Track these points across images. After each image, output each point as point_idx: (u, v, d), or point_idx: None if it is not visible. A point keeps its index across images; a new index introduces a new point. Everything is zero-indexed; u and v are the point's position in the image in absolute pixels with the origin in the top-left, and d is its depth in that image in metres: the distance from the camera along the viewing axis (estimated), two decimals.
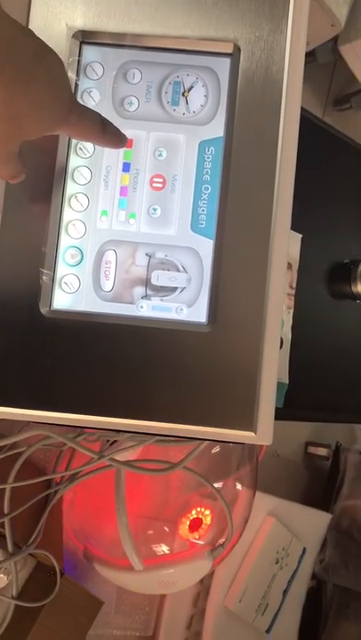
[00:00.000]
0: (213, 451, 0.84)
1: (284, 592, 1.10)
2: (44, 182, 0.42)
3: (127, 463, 0.69)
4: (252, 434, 0.41)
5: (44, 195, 0.42)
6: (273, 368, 0.41)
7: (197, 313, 0.43)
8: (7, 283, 0.42)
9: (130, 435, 0.68)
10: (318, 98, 1.73)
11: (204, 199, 0.43)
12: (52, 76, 0.33)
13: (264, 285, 0.41)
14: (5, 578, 0.72)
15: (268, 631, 1.07)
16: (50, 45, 0.43)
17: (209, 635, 0.99)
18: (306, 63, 0.43)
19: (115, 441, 0.71)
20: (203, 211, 0.43)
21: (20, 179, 0.38)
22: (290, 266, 0.73)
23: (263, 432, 0.41)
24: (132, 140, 0.43)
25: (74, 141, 0.43)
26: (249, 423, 0.41)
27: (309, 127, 0.81)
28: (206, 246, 0.43)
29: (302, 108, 0.45)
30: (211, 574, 1.02)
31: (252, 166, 0.42)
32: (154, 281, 0.43)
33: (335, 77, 1.75)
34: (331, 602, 1.26)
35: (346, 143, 0.86)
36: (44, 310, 0.42)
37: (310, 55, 1.59)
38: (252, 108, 0.43)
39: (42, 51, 0.33)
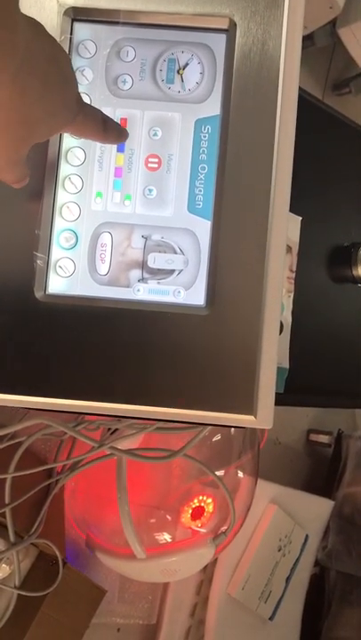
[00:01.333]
0: (214, 439, 0.84)
1: (287, 579, 1.10)
2: (37, 164, 0.41)
3: (128, 451, 0.69)
4: (253, 417, 0.40)
5: (38, 177, 0.41)
6: (273, 350, 0.40)
7: (195, 296, 0.42)
8: (1, 267, 0.41)
9: (130, 423, 0.68)
10: (317, 82, 1.71)
11: (201, 179, 0.42)
12: (64, 79, 0.32)
13: (263, 266, 0.40)
14: (7, 567, 0.72)
15: (271, 618, 1.07)
16: (41, 23, 0.42)
17: (212, 622, 1.00)
18: (304, 47, 0.42)
19: (115, 430, 0.71)
20: (200, 191, 0.42)
21: (24, 182, 0.37)
22: (290, 249, 0.72)
23: (263, 416, 0.40)
24: (126, 120, 0.42)
25: None
26: (249, 407, 0.40)
27: (308, 108, 0.79)
28: (203, 227, 0.42)
29: (301, 89, 0.44)
30: (214, 562, 1.02)
31: (250, 145, 0.41)
32: (150, 263, 0.42)
33: (334, 61, 1.73)
34: (334, 588, 1.26)
35: (346, 124, 0.85)
36: (38, 295, 0.41)
37: (308, 39, 1.57)
38: (249, 84, 0.42)
39: (55, 52, 0.31)
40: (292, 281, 0.73)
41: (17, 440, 0.69)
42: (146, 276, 0.42)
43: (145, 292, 0.42)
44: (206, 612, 1.01)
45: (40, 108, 0.31)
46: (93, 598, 0.82)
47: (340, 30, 1.52)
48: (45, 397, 0.40)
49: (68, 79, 0.33)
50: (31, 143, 0.33)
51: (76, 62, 0.42)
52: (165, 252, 0.42)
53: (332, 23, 1.53)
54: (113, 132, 0.40)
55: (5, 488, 0.67)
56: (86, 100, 0.42)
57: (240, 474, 0.88)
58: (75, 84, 0.34)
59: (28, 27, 0.29)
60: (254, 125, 0.41)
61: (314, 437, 1.40)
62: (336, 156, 0.83)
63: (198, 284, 0.42)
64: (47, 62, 0.30)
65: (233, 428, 0.86)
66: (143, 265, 0.42)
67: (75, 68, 0.42)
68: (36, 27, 0.30)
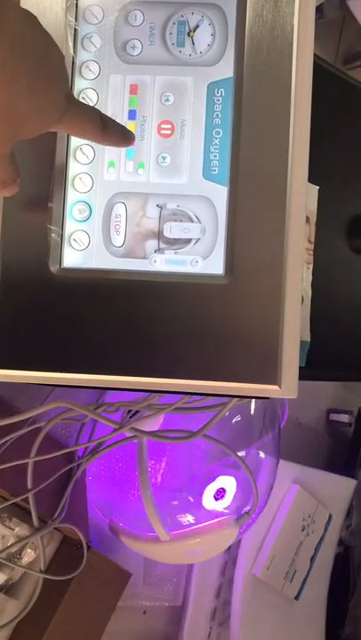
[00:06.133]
0: (234, 420, 0.83)
1: (312, 559, 1.10)
2: (47, 135, 0.40)
3: (149, 433, 0.68)
4: (277, 387, 0.39)
5: (49, 148, 0.40)
6: (295, 317, 0.39)
7: (214, 265, 0.41)
8: (15, 241, 0.40)
9: (149, 403, 0.67)
10: (327, 56, 1.68)
11: (216, 144, 0.41)
12: (54, 75, 0.31)
13: (283, 231, 0.39)
14: (33, 552, 0.72)
15: (296, 598, 1.07)
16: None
17: (238, 603, 1.00)
18: None
19: (136, 412, 0.70)
20: (215, 156, 0.41)
21: (13, 187, 0.35)
22: (307, 219, 0.70)
23: (288, 385, 0.39)
24: (136, 86, 0.41)
25: (76, 92, 0.41)
26: (273, 376, 0.39)
27: (324, 74, 0.77)
28: (220, 194, 0.41)
29: (316, 56, 0.42)
30: (237, 543, 1.01)
31: (265, 106, 0.40)
32: (167, 233, 0.41)
33: (344, 34, 1.69)
34: (359, 567, 1.25)
35: None
36: (53, 269, 0.40)
37: (317, 12, 1.52)
38: (263, 44, 0.40)
39: (47, 46, 0.30)
40: (311, 252, 0.71)
41: (37, 425, 0.68)
42: (162, 246, 0.41)
43: (162, 262, 0.41)
44: (231, 592, 1.01)
45: (27, 103, 0.29)
46: (119, 582, 0.82)
47: (350, 2, 1.48)
48: (63, 373, 0.39)
49: (58, 75, 0.32)
50: (15, 140, 0.31)
51: (84, 29, 0.41)
52: (181, 221, 0.41)
53: None
54: (114, 133, 0.37)
55: (27, 473, 0.67)
56: (95, 67, 0.41)
57: (261, 454, 0.87)
58: (66, 81, 0.33)
59: (21, 17, 0.28)
60: (269, 87, 0.40)
61: (334, 417, 1.38)
62: (354, 124, 0.81)
63: (216, 253, 0.41)
64: (38, 56, 0.29)
65: (253, 409, 0.85)
66: (159, 235, 0.41)
67: (82, 35, 0.41)
68: (30, 19, 0.29)
